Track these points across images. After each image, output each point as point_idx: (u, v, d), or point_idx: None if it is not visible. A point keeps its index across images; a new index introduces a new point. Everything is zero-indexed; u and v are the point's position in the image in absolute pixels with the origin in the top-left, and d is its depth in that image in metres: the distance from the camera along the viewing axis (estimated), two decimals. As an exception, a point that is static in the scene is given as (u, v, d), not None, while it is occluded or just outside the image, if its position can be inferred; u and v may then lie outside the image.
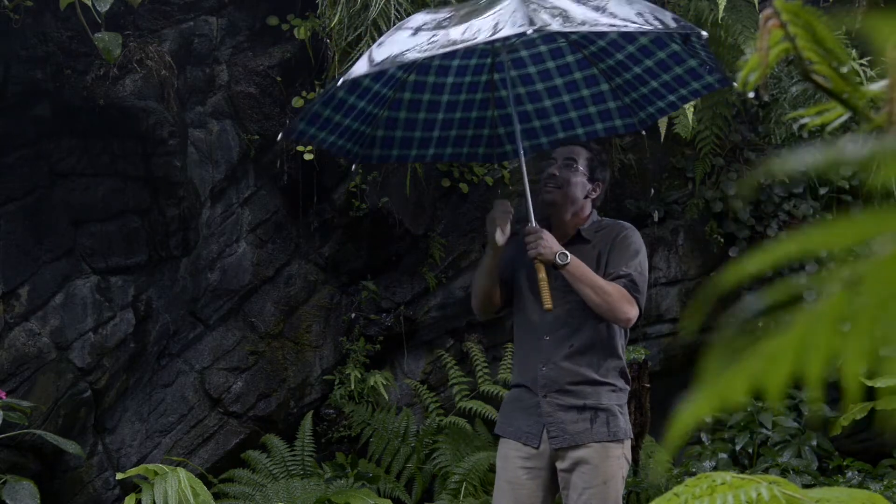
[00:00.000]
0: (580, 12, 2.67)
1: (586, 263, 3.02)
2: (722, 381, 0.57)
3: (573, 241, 3.11)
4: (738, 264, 0.58)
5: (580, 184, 3.14)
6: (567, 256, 2.91)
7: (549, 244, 2.91)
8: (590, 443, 2.97)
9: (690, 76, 3.13)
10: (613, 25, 2.72)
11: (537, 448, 3.03)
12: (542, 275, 2.91)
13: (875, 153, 0.62)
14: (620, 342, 3.08)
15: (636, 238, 3.09)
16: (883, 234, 0.55)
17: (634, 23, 2.67)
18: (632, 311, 2.96)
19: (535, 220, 3.03)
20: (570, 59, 3.33)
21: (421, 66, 3.21)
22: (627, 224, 3.15)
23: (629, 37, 3.08)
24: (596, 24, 2.69)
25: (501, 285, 3.20)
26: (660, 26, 2.70)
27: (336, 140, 3.24)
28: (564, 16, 2.66)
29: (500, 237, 3.02)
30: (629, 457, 3.07)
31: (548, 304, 2.88)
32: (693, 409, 0.59)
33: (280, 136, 3.19)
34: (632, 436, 3.11)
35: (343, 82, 2.81)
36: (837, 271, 0.55)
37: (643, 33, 2.96)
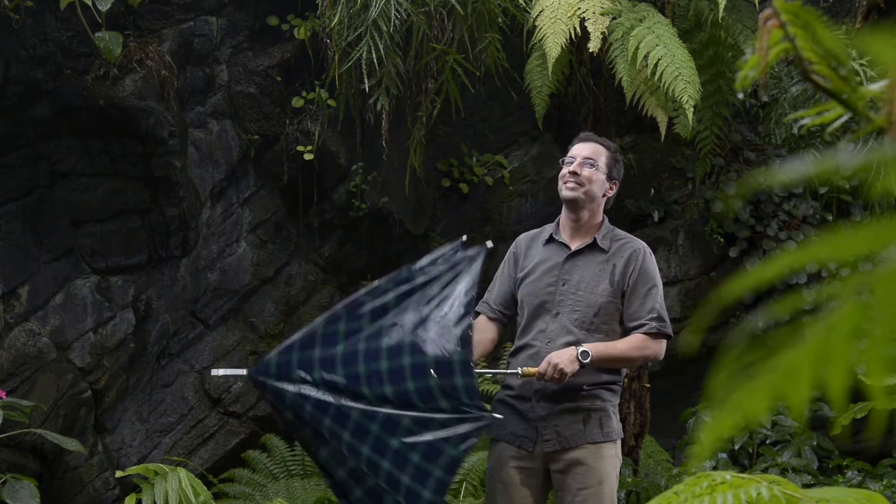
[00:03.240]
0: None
1: (600, 273, 3.05)
2: (742, 397, 0.57)
3: (590, 247, 3.10)
4: (742, 276, 0.58)
5: (600, 181, 3.12)
6: (588, 354, 2.89)
7: (564, 360, 2.88)
8: (584, 444, 2.98)
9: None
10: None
11: (531, 451, 3.03)
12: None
13: (876, 159, 0.62)
14: None
15: (654, 265, 3.10)
16: (892, 243, 0.55)
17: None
18: (661, 349, 3.03)
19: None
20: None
21: None
22: (642, 243, 3.14)
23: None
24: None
25: (503, 315, 3.22)
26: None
27: None
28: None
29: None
30: (620, 455, 3.10)
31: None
32: (715, 428, 0.59)
33: None
34: (622, 435, 3.13)
35: None
36: (847, 281, 0.55)
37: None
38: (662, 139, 4.92)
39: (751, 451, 4.93)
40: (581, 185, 3.08)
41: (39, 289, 4.51)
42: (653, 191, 5.80)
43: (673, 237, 5.70)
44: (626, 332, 3.04)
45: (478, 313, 3.18)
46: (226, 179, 5.09)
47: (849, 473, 4.70)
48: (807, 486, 4.50)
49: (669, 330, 3.02)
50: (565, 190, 3.09)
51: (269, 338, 5.20)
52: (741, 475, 1.24)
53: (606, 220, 3.19)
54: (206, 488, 3.43)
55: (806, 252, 0.56)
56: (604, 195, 3.15)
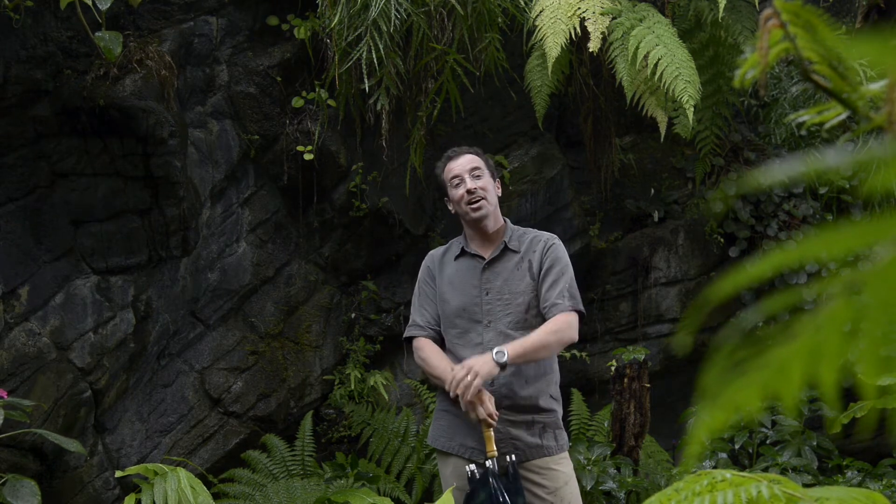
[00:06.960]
0: None
1: (515, 273, 3.08)
2: (734, 393, 0.57)
3: (503, 252, 3.14)
4: (736, 273, 0.58)
5: (491, 185, 3.18)
6: (503, 353, 2.88)
7: (481, 366, 2.86)
8: (541, 457, 3.04)
9: None
10: None
11: (483, 463, 3.02)
12: (490, 434, 2.91)
13: (873, 156, 0.63)
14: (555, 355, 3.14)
15: (564, 251, 3.14)
16: (884, 239, 0.55)
17: None
18: (575, 331, 3.03)
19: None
20: None
21: None
22: (549, 233, 3.18)
23: None
24: None
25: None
26: None
27: None
28: None
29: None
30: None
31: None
32: (707, 424, 0.59)
33: None
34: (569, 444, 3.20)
35: None
36: (839, 277, 0.55)
37: None
38: (662, 139, 4.93)
39: (751, 450, 4.93)
40: (482, 198, 3.12)
41: (39, 289, 4.51)
42: (653, 191, 5.80)
43: (673, 237, 5.70)
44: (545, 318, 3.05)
45: (414, 336, 3.18)
46: (226, 179, 5.09)
47: (849, 473, 4.71)
48: (807, 485, 4.50)
49: (580, 306, 3.05)
50: (472, 212, 3.11)
51: (269, 338, 5.20)
52: (741, 474, 1.24)
53: (508, 221, 3.23)
54: (205, 488, 3.43)
55: (799, 249, 0.56)
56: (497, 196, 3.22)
